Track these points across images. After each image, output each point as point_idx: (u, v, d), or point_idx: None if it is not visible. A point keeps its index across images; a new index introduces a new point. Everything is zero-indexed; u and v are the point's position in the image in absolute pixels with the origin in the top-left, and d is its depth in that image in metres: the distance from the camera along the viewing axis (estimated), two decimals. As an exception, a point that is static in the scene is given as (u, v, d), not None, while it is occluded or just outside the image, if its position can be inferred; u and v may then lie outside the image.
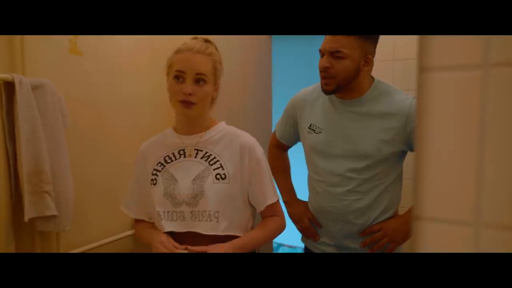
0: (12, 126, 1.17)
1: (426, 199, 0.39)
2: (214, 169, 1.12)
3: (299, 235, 1.51)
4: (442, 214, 0.38)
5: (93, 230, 1.46)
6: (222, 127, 1.20)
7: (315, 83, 1.44)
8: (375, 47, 1.27)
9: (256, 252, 1.26)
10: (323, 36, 1.26)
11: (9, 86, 1.15)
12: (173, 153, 1.17)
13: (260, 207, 1.19)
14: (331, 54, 1.22)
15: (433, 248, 0.39)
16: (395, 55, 1.82)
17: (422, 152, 0.39)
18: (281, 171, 1.55)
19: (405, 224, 1.26)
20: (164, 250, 1.07)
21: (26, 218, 1.15)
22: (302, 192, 1.54)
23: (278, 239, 3.68)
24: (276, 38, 2.79)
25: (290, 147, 1.56)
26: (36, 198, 1.17)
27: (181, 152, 1.16)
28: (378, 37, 1.26)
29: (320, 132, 1.33)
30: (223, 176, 1.12)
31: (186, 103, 1.09)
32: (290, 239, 3.71)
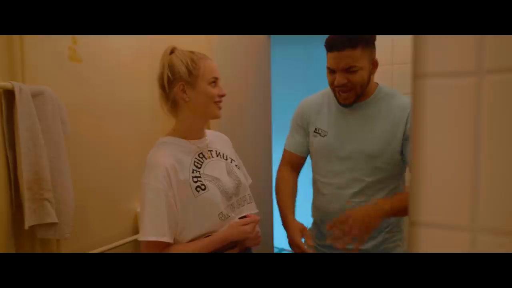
0: (12, 133, 1.17)
1: (422, 204, 0.39)
2: (230, 162, 1.28)
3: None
4: (438, 219, 0.39)
5: (93, 236, 1.46)
6: (207, 130, 1.33)
7: (317, 92, 1.45)
8: (375, 49, 1.29)
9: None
10: (323, 36, 1.26)
11: (9, 94, 1.16)
12: (196, 158, 1.21)
13: None
14: (346, 70, 1.23)
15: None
16: (393, 59, 1.83)
17: (417, 158, 0.39)
18: (290, 196, 1.44)
19: (366, 216, 1.20)
20: (253, 230, 1.20)
21: (26, 226, 1.15)
22: (305, 194, 1.54)
23: (279, 244, 3.67)
24: (275, 40, 2.80)
25: (303, 162, 1.50)
26: (36, 206, 1.17)
27: (201, 155, 1.22)
28: (375, 38, 1.28)
29: (325, 135, 1.35)
30: (238, 166, 1.31)
31: (220, 105, 1.22)
32: (291, 243, 3.69)
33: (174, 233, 1.12)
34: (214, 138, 1.32)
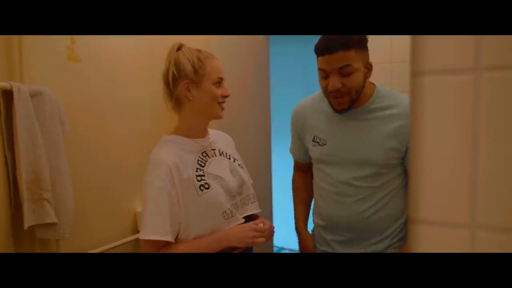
0: (11, 134, 1.17)
1: (421, 201, 0.39)
2: (234, 161, 1.28)
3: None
4: (438, 217, 0.39)
5: (93, 236, 1.46)
6: (209, 129, 1.32)
7: (311, 94, 1.43)
8: (368, 52, 1.26)
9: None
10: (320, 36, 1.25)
11: (8, 94, 1.16)
12: (199, 157, 1.20)
13: None
14: (339, 72, 1.18)
15: (429, 251, 0.39)
16: (392, 57, 1.83)
17: (416, 156, 0.39)
18: (302, 202, 1.50)
19: None
20: (261, 235, 1.17)
21: (25, 226, 1.15)
22: None
23: (279, 243, 3.68)
24: (274, 39, 2.80)
25: (310, 165, 1.47)
26: (35, 206, 1.17)
27: (204, 154, 1.22)
28: (367, 41, 1.25)
29: (324, 144, 1.32)
30: (241, 166, 1.30)
31: (223, 105, 1.22)
32: (291, 242, 3.71)
33: (176, 232, 1.12)
34: (217, 137, 1.31)
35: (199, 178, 1.14)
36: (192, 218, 1.12)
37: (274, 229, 1.26)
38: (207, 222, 1.13)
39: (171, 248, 1.11)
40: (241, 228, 1.16)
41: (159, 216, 1.08)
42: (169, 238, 1.09)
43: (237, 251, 1.17)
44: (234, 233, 1.15)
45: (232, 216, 1.17)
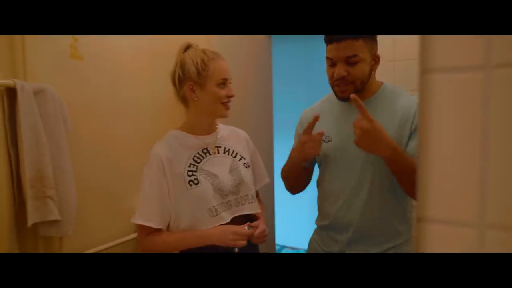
0: (15, 131, 1.17)
1: (429, 200, 0.39)
2: (239, 160, 1.29)
3: (302, 236, 1.49)
4: (446, 216, 0.38)
5: (95, 234, 1.46)
6: (222, 126, 1.36)
7: (316, 102, 1.43)
8: (377, 44, 1.27)
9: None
10: (322, 36, 1.25)
11: (11, 92, 1.16)
12: (198, 153, 1.24)
13: (257, 187, 1.40)
14: (346, 61, 1.19)
15: (437, 249, 0.39)
16: (395, 56, 1.82)
17: (425, 154, 0.39)
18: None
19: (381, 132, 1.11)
20: (242, 238, 1.18)
21: (29, 223, 1.15)
22: (311, 197, 1.52)
23: (281, 241, 3.69)
24: (275, 39, 2.79)
25: (310, 170, 1.45)
26: (39, 203, 1.17)
27: (205, 150, 1.25)
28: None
29: (330, 141, 1.31)
30: (247, 165, 1.31)
31: (228, 105, 1.24)
32: (293, 241, 3.72)
33: (167, 221, 1.20)
34: (228, 134, 1.33)
35: (190, 173, 1.20)
36: (181, 210, 1.19)
37: (267, 233, 1.28)
38: (194, 216, 1.19)
39: (157, 234, 1.20)
40: (223, 228, 1.19)
41: (147, 204, 1.19)
42: (153, 224, 1.17)
43: (220, 249, 1.19)
44: (215, 232, 1.19)
45: (217, 214, 1.20)
